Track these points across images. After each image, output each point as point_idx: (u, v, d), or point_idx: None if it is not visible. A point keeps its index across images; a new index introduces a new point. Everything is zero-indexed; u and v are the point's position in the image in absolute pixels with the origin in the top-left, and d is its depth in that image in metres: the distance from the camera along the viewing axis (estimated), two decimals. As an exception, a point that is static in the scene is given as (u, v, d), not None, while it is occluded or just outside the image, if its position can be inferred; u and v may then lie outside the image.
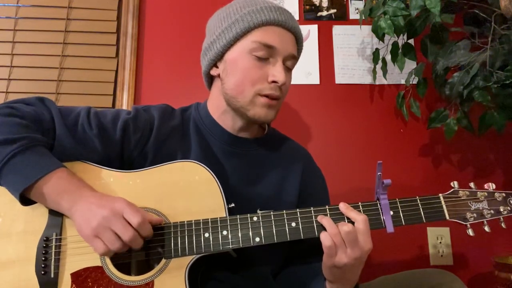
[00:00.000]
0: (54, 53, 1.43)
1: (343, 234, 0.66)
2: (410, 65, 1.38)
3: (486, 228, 0.74)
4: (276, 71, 0.79)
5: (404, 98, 1.37)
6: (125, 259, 0.72)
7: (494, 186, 0.76)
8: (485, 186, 0.76)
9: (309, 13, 1.50)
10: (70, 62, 1.44)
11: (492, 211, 0.74)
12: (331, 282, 0.72)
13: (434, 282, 0.82)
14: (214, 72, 0.86)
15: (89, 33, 1.46)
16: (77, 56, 1.44)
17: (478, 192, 0.75)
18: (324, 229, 0.69)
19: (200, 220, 0.72)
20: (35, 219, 0.72)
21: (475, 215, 0.74)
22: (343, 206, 0.72)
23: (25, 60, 1.43)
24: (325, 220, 0.70)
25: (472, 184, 0.77)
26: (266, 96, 0.80)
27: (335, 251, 0.67)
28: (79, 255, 0.70)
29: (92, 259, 0.70)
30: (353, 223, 0.69)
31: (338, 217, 0.72)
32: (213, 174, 0.74)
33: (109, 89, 1.43)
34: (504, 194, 0.75)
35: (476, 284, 1.33)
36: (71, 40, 1.45)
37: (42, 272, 0.69)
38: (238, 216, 0.72)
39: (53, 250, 0.70)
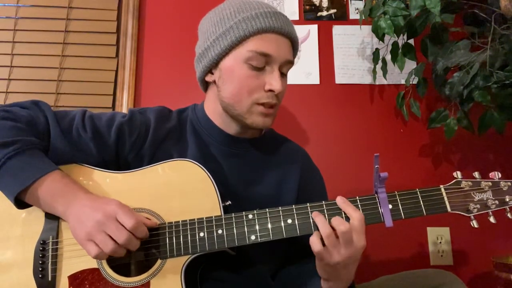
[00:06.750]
0: (54, 53, 1.43)
1: (339, 233, 0.65)
2: (410, 65, 1.38)
3: (492, 219, 0.70)
4: (272, 80, 0.78)
5: (404, 98, 1.37)
6: (121, 260, 0.71)
7: (499, 175, 0.72)
8: (490, 175, 0.73)
9: (309, 13, 1.50)
10: (70, 62, 1.44)
11: (497, 202, 0.70)
12: (326, 280, 0.71)
13: (434, 283, 0.82)
14: (209, 78, 0.85)
15: (89, 33, 1.46)
16: (77, 56, 1.44)
17: (482, 182, 0.72)
18: None
19: (195, 219, 0.71)
20: (32, 222, 0.72)
21: (478, 206, 0.70)
22: (340, 200, 0.70)
23: (25, 60, 1.43)
24: (319, 219, 0.68)
25: (476, 174, 0.73)
26: (263, 104, 0.79)
27: (325, 254, 0.66)
28: (75, 257, 0.70)
29: (88, 261, 0.70)
30: (348, 219, 0.68)
31: (335, 212, 0.70)
32: (208, 173, 0.74)
33: (109, 89, 1.43)
34: (510, 183, 0.71)
35: (476, 284, 1.32)
36: (71, 40, 1.45)
37: (40, 276, 0.69)
38: (233, 214, 0.72)
39: (50, 253, 0.71)
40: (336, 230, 0.66)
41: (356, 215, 0.67)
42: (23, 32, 1.44)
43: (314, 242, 0.66)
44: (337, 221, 0.67)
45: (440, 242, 1.34)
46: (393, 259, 1.34)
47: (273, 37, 0.79)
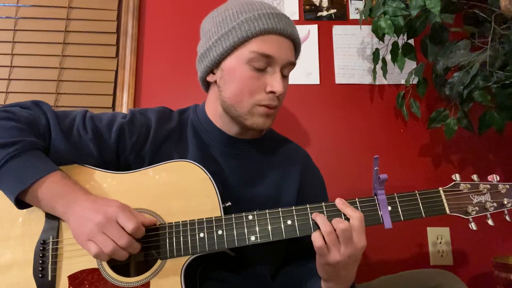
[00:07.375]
0: (54, 53, 1.43)
1: (338, 232, 0.66)
2: (410, 65, 1.38)
3: (490, 222, 0.70)
4: (274, 81, 0.78)
5: (404, 98, 1.37)
6: (121, 260, 0.71)
7: (498, 178, 0.72)
8: (489, 178, 0.73)
9: (309, 13, 1.50)
10: (70, 62, 1.44)
11: (495, 204, 0.70)
12: (325, 280, 0.71)
13: (434, 283, 0.82)
14: (210, 78, 0.85)
15: (89, 33, 1.46)
16: (77, 56, 1.44)
17: (480, 185, 0.72)
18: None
19: (195, 220, 0.71)
20: (32, 222, 0.72)
21: (477, 208, 0.71)
22: (339, 202, 0.71)
23: (25, 60, 1.43)
24: (319, 218, 0.69)
25: (475, 176, 0.73)
26: (264, 106, 0.80)
27: (326, 250, 0.66)
28: (75, 257, 0.70)
29: (88, 261, 0.70)
30: (348, 219, 0.68)
31: (335, 213, 0.70)
32: (208, 174, 0.74)
33: (109, 89, 1.43)
34: (508, 186, 0.71)
35: (476, 284, 1.33)
36: (71, 40, 1.45)
37: (40, 275, 0.69)
38: (233, 215, 0.72)
39: (50, 253, 0.71)
40: (336, 229, 0.66)
41: (355, 215, 0.67)
42: (23, 32, 1.44)
43: (316, 238, 0.66)
44: (336, 220, 0.67)
45: (440, 242, 1.35)
46: (393, 259, 1.34)
47: (275, 38, 0.79)
